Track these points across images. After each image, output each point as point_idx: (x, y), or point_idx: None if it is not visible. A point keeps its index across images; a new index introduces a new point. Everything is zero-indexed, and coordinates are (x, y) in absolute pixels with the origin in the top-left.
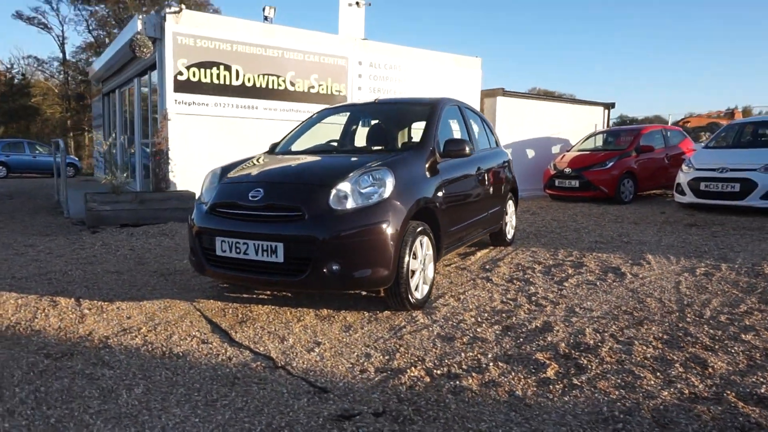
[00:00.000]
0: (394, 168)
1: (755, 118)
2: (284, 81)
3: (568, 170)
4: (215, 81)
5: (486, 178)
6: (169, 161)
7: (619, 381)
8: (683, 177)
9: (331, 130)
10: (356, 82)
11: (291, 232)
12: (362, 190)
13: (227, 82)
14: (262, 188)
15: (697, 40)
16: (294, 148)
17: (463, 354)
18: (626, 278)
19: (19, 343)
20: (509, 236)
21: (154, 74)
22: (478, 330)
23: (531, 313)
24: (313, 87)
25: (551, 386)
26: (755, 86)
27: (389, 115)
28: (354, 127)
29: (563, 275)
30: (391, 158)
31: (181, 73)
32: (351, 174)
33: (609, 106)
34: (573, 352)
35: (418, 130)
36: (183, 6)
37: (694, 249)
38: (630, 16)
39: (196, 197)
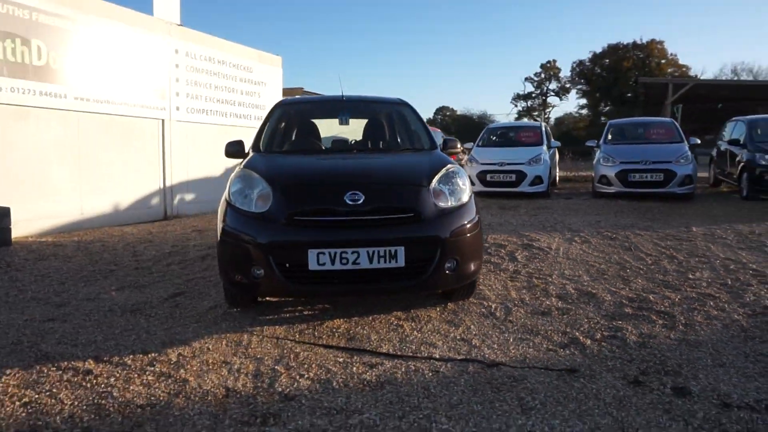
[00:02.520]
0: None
1: (505, 123)
2: (96, 65)
3: None
4: (10, 58)
5: None
6: None
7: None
8: (471, 170)
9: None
10: (173, 72)
11: (412, 234)
12: (453, 188)
13: (26, 61)
14: (359, 190)
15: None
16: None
17: (582, 322)
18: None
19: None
20: None
21: None
22: (549, 303)
23: (556, 286)
24: (128, 74)
25: (676, 328)
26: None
27: (370, 113)
28: (330, 122)
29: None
30: (444, 157)
31: None
32: (439, 173)
33: None
34: (642, 305)
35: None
36: None
37: (568, 226)
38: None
39: (233, 207)
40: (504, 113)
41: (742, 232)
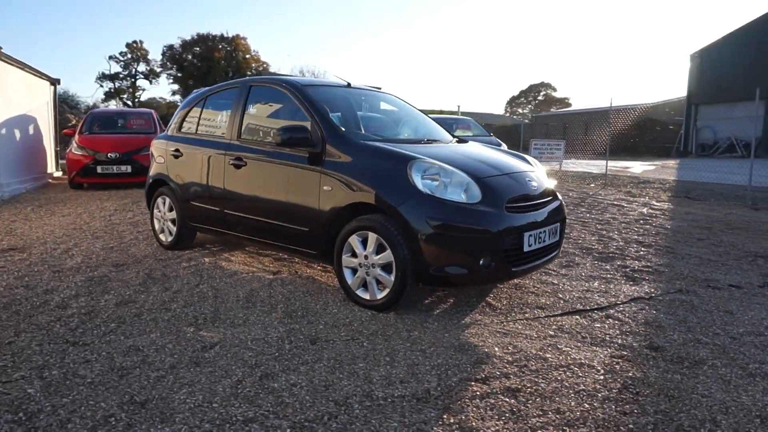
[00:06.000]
0: None
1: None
2: None
3: (113, 155)
4: None
5: None
6: None
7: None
8: None
9: None
10: None
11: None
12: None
13: None
14: (530, 178)
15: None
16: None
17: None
18: None
19: None
20: None
21: None
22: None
23: None
24: None
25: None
26: None
27: (387, 104)
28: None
29: None
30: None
31: None
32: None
33: (56, 82)
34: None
35: None
36: None
37: None
38: None
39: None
40: (88, 96)
41: None
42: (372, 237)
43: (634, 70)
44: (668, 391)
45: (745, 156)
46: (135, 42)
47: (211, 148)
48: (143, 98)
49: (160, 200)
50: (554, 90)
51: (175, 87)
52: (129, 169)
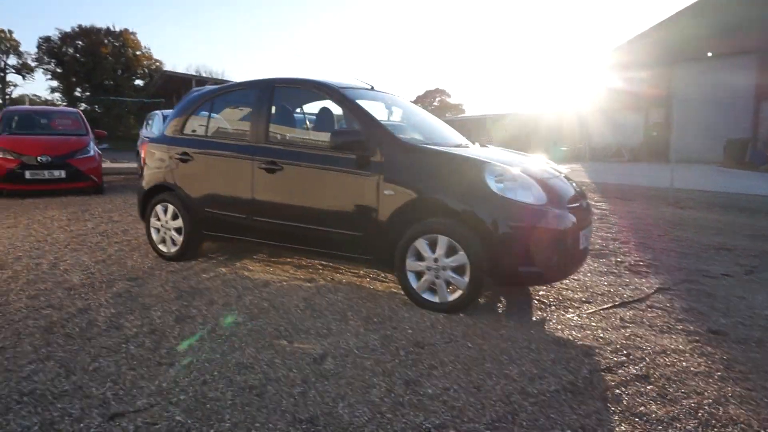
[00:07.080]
0: None
1: None
2: None
3: (44, 158)
4: None
5: None
6: None
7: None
8: None
9: None
10: None
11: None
12: None
13: None
14: (569, 180)
15: None
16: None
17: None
18: None
19: None
20: None
21: None
22: None
23: None
24: None
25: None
26: None
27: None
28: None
29: None
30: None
31: None
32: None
33: None
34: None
35: None
36: None
37: None
38: None
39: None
40: None
41: None
42: (442, 240)
43: (524, 80)
44: (763, 367)
45: (630, 161)
46: (2, 31)
47: (231, 152)
48: (15, 95)
49: (159, 208)
50: (449, 96)
51: (55, 84)
52: (63, 174)
